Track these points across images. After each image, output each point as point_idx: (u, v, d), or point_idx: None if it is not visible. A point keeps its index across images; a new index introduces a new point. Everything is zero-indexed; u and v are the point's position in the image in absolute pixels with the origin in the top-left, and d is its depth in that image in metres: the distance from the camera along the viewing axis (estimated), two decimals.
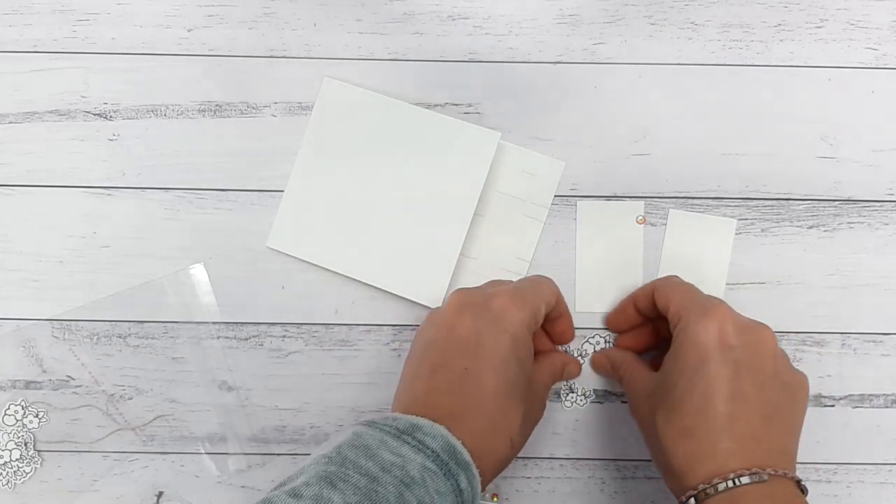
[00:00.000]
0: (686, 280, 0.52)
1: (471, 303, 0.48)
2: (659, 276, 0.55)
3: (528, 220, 0.55)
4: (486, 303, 0.48)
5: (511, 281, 0.52)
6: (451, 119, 0.55)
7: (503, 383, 0.46)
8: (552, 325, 0.53)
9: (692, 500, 0.44)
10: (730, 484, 0.43)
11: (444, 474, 0.42)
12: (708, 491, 0.43)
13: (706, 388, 0.45)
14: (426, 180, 0.55)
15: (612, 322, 0.55)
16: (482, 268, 0.55)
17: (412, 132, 0.55)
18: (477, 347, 0.46)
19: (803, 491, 0.44)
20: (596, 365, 0.55)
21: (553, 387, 0.55)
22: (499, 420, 0.46)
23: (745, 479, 0.43)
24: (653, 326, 0.54)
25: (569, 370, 0.54)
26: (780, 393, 0.46)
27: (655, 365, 0.51)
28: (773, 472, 0.43)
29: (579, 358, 0.55)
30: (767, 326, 0.47)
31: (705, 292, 0.50)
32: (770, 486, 0.43)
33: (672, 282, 0.52)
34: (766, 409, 0.45)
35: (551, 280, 0.52)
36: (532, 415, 0.49)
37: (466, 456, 0.43)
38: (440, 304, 0.53)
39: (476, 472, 0.44)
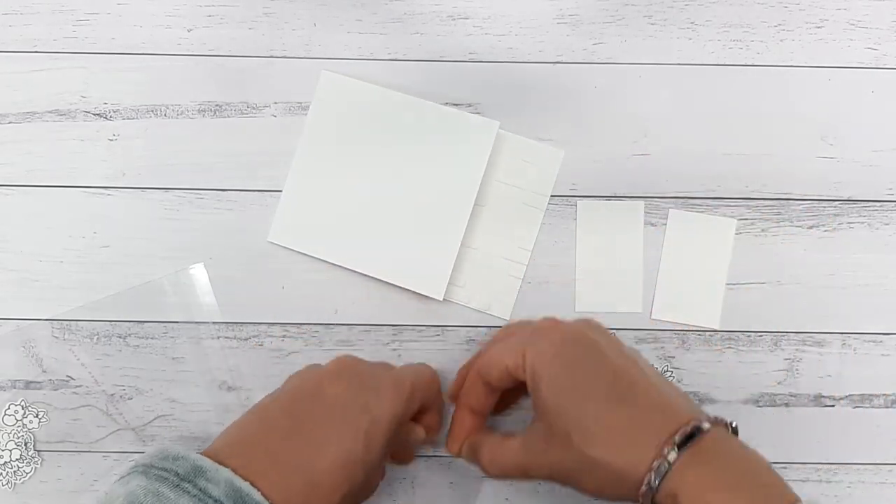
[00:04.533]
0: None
1: (351, 370, 0.46)
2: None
3: (528, 209, 0.55)
4: (364, 378, 0.45)
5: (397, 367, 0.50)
6: (449, 109, 0.55)
7: (341, 461, 0.43)
8: (422, 416, 0.50)
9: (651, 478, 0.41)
10: (685, 434, 0.41)
11: None
12: (665, 462, 0.40)
13: (586, 397, 0.43)
14: (426, 170, 0.55)
15: (465, 402, 0.50)
16: (483, 257, 0.55)
17: (411, 123, 0.55)
18: (335, 412, 0.44)
19: (735, 432, 0.43)
20: (465, 455, 0.50)
21: None
22: (319, 492, 0.42)
23: (705, 426, 0.41)
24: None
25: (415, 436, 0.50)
26: (630, 360, 0.45)
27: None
28: (709, 420, 0.42)
29: None
30: (553, 324, 0.47)
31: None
32: (718, 431, 0.42)
33: (490, 358, 0.48)
34: (654, 379, 0.44)
35: (435, 372, 0.50)
36: (358, 496, 0.46)
37: (256, 496, 0.39)
38: (437, 293, 0.52)
39: None
